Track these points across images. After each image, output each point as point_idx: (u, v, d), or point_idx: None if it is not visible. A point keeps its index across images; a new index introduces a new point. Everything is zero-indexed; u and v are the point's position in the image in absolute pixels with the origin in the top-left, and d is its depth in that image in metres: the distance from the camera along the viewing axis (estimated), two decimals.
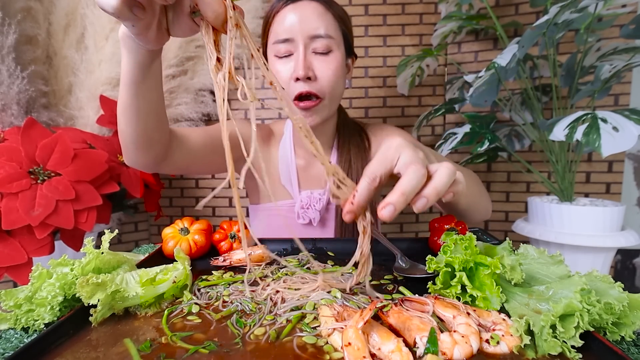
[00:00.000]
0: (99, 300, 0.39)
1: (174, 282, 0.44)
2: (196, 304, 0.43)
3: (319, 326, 0.37)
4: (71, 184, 0.75)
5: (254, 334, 0.37)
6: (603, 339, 0.32)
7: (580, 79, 0.92)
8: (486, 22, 1.05)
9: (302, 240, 0.66)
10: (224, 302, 0.44)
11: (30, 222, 0.69)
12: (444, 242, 0.45)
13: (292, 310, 0.41)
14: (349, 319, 0.36)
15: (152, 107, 0.56)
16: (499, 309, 0.38)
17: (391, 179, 0.42)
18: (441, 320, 0.37)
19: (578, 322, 0.32)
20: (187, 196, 1.35)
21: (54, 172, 0.75)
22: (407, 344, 0.33)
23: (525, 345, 0.33)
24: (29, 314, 0.40)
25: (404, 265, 0.53)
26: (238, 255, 0.57)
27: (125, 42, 0.47)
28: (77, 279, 0.41)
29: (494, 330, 0.35)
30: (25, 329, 0.40)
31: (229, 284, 0.49)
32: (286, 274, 0.51)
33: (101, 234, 0.61)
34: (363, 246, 0.43)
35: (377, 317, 0.38)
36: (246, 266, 0.56)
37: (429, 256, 0.46)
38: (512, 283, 0.40)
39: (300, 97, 0.70)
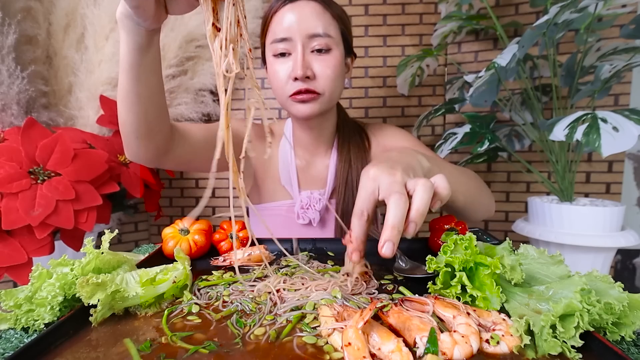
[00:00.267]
0: (99, 300, 0.39)
1: (174, 282, 0.44)
2: (196, 304, 0.43)
3: (319, 326, 0.37)
4: (71, 184, 0.75)
5: (254, 334, 0.37)
6: (603, 339, 0.32)
7: (580, 79, 0.92)
8: (486, 22, 1.05)
9: (302, 240, 0.66)
10: (224, 302, 0.44)
11: (30, 222, 0.69)
12: (444, 242, 0.45)
13: (292, 310, 0.41)
14: (349, 319, 0.36)
15: (152, 92, 0.56)
16: (499, 309, 0.38)
17: (380, 204, 0.46)
18: (441, 320, 0.37)
19: (578, 322, 0.32)
20: (187, 196, 1.35)
21: (54, 172, 0.75)
22: (407, 344, 0.33)
23: (525, 345, 0.33)
24: (29, 314, 0.40)
25: (404, 265, 0.53)
26: (238, 255, 0.57)
27: (123, 23, 0.47)
28: (77, 279, 0.41)
29: (494, 330, 0.35)
30: (25, 329, 0.40)
31: (229, 284, 0.49)
32: (286, 274, 0.51)
33: (101, 234, 0.61)
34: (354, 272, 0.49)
35: (377, 317, 0.38)
36: (246, 266, 0.56)
37: (429, 256, 0.46)
38: (512, 283, 0.40)
39: (299, 92, 0.70)
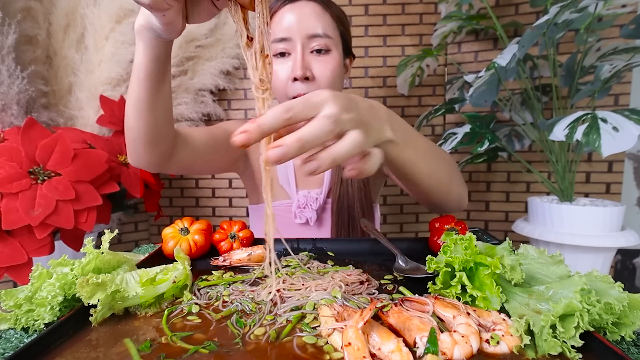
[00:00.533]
0: (99, 300, 0.39)
1: (174, 282, 0.44)
2: (196, 304, 0.43)
3: (319, 326, 0.37)
4: (71, 184, 0.75)
5: (254, 334, 0.37)
6: (603, 339, 0.32)
7: (580, 79, 0.92)
8: (486, 22, 1.05)
9: (302, 240, 0.66)
10: (224, 302, 0.44)
11: (30, 222, 0.69)
12: (444, 242, 0.45)
13: (292, 310, 0.41)
14: (349, 319, 0.36)
15: (165, 100, 0.56)
16: (499, 309, 0.38)
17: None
18: (441, 320, 0.37)
19: (578, 322, 0.32)
20: (187, 196, 1.35)
21: (54, 172, 0.75)
22: (407, 344, 0.33)
23: (525, 345, 0.33)
24: (29, 314, 0.40)
25: (404, 265, 0.53)
26: (238, 255, 0.57)
27: (142, 35, 0.47)
28: (77, 279, 0.41)
29: (494, 330, 0.35)
30: (25, 329, 0.40)
31: (229, 284, 0.49)
32: (286, 274, 0.51)
33: (101, 234, 0.61)
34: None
35: (377, 317, 0.38)
36: (246, 266, 0.56)
37: (429, 256, 0.46)
38: (512, 283, 0.40)
39: (299, 95, 0.70)
